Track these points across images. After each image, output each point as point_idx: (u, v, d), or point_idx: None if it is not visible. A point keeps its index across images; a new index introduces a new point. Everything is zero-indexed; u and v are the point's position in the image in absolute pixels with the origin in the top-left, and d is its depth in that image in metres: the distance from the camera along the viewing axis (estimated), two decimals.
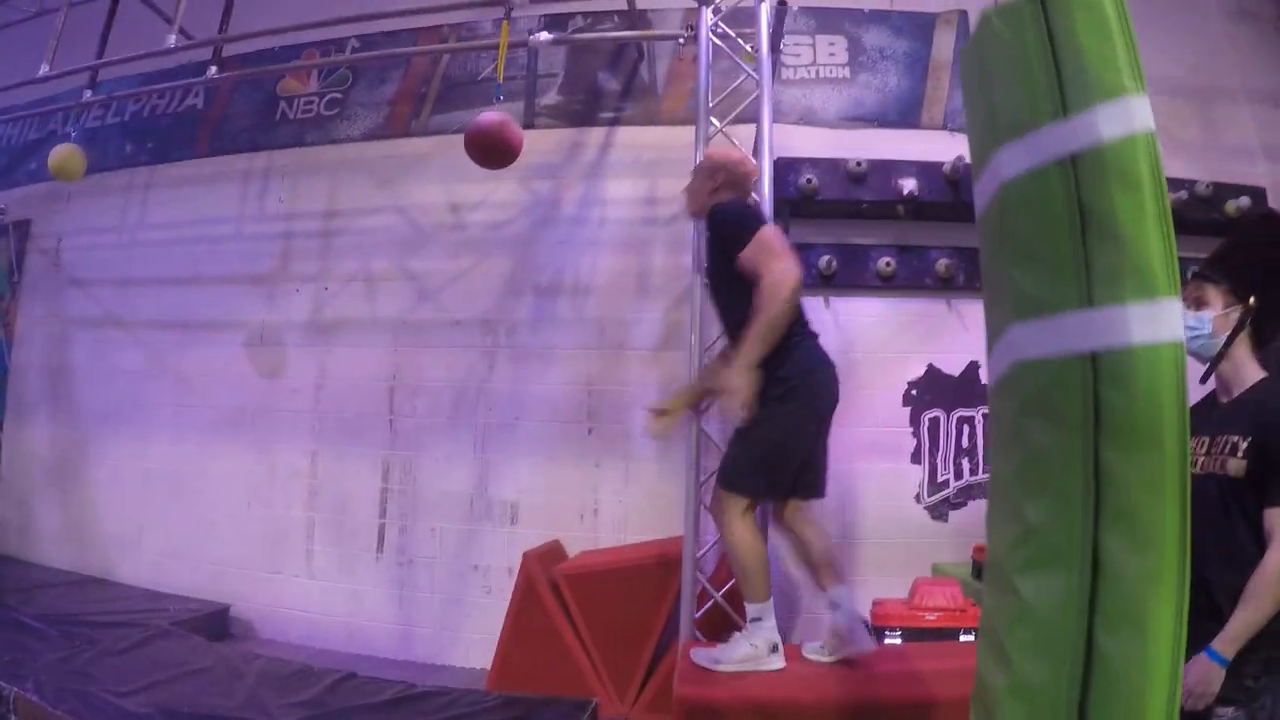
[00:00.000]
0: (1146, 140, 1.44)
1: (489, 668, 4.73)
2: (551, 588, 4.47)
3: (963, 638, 4.01)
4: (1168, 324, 1.41)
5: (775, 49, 4.39)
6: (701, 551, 4.07)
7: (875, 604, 4.24)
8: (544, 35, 4.60)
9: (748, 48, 4.44)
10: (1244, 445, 2.18)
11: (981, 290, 1.87)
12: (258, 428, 5.60)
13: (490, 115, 4.08)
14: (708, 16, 4.27)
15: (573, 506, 5.11)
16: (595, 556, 4.77)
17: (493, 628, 4.92)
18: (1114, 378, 1.43)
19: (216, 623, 5.37)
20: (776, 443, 3.32)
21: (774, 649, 3.33)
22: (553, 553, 4.85)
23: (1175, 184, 4.94)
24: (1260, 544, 2.12)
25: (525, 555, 4.58)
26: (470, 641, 5.11)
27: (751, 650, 3.29)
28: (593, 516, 5.10)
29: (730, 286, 3.49)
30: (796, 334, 3.39)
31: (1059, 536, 1.49)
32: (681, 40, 4.69)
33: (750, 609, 3.34)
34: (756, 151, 4.54)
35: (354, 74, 5.87)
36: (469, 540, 5.18)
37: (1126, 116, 1.45)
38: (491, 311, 5.28)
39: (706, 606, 4.04)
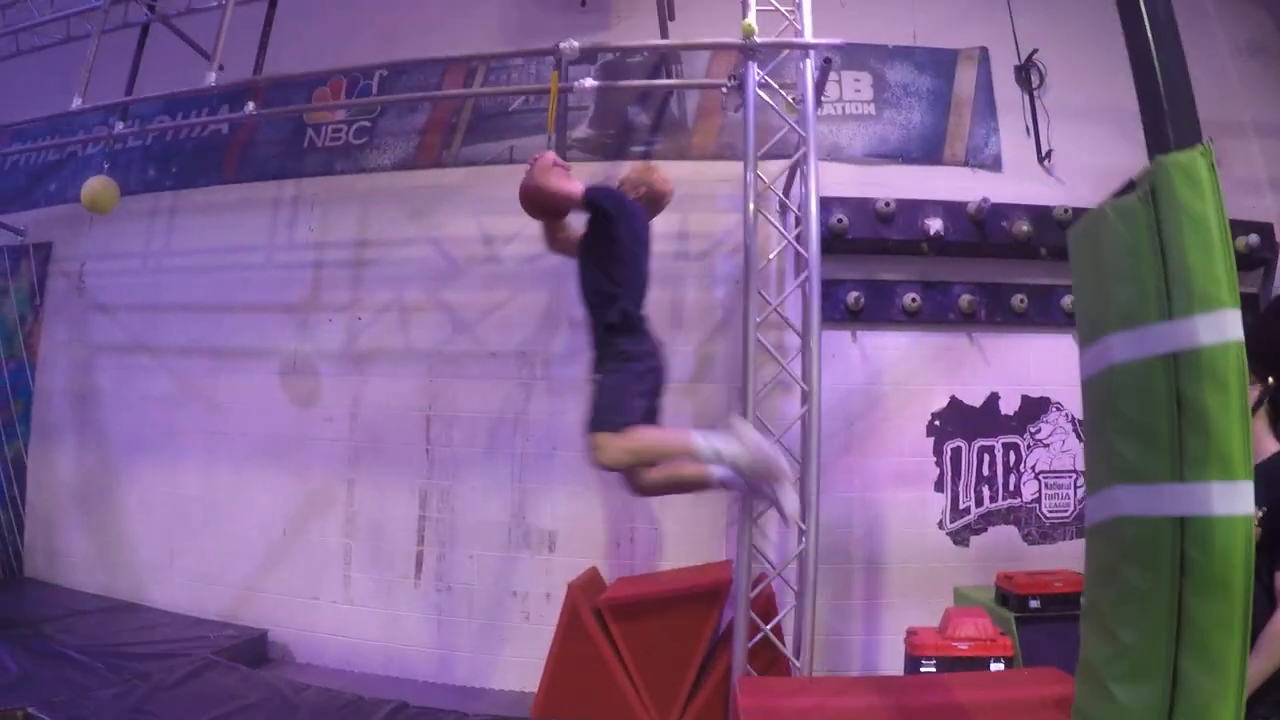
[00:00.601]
0: (1237, 349, 1.76)
1: (528, 691, 4.95)
2: (595, 616, 4.68)
3: (993, 666, 4.32)
4: (1243, 501, 1.75)
5: (818, 102, 4.59)
6: (755, 590, 4.29)
7: (909, 633, 4.52)
8: (589, 81, 4.75)
9: (789, 99, 4.64)
10: (1260, 514, 2.46)
11: (1084, 446, 2.20)
12: (292, 455, 5.74)
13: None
14: (754, 70, 4.46)
15: (609, 534, 5.34)
16: (636, 585, 4.99)
17: (531, 652, 5.15)
18: (1197, 540, 1.78)
19: (255, 648, 5.52)
20: (628, 380, 3.73)
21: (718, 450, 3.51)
22: (592, 581, 5.07)
23: None
24: (1272, 603, 2.42)
25: (570, 585, 4.79)
26: (509, 665, 5.32)
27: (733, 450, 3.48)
28: (629, 544, 5.33)
29: (598, 260, 3.94)
30: (644, 324, 3.95)
31: (1147, 657, 1.88)
32: (725, 89, 4.86)
33: (695, 457, 3.52)
34: (791, 193, 4.79)
35: (382, 107, 5.98)
36: (507, 567, 5.39)
37: (1221, 328, 1.76)
38: (528, 344, 5.46)
39: (756, 639, 4.26)
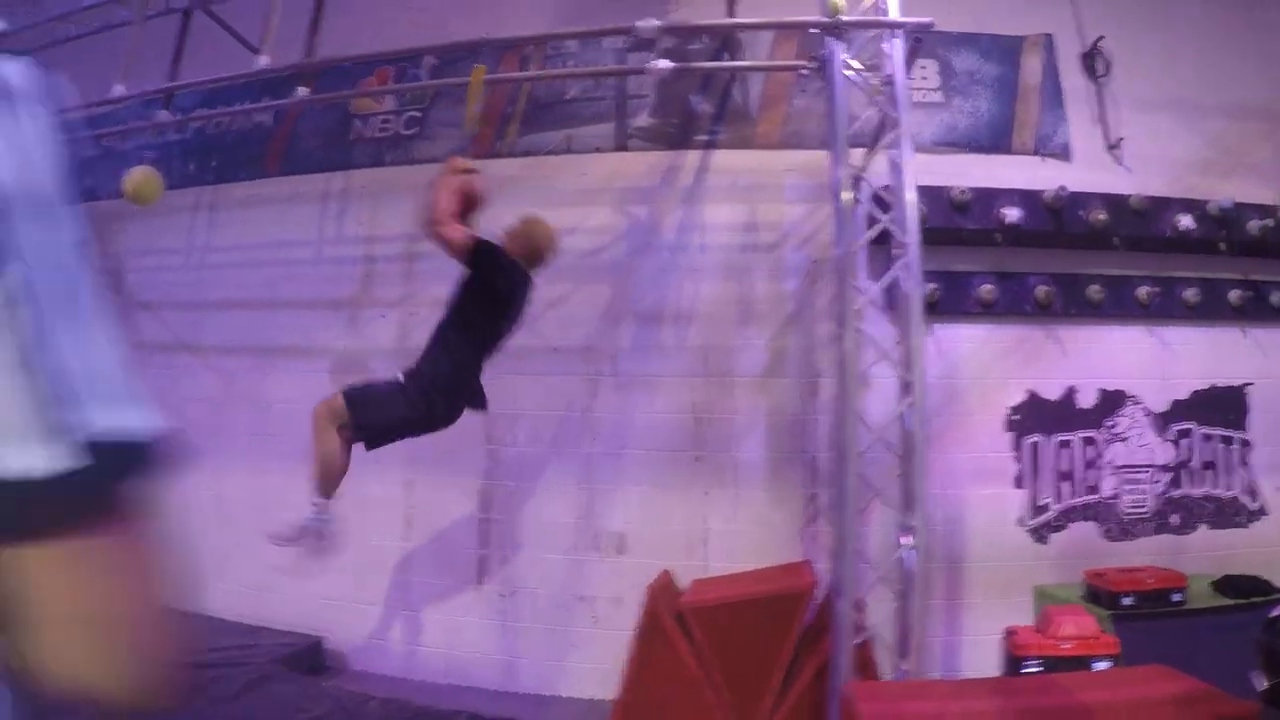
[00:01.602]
0: None
1: (599, 699, 4.75)
2: (677, 620, 4.45)
3: (1096, 666, 4.13)
4: None
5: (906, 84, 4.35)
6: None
7: (1009, 632, 4.34)
8: (662, 62, 4.50)
9: (874, 81, 4.42)
10: None
11: None
12: None
13: None
14: (841, 51, 4.23)
15: (682, 536, 5.10)
16: (716, 587, 4.75)
17: (600, 658, 4.94)
18: None
19: (311, 656, 5.29)
20: (397, 399, 4.00)
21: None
22: (668, 584, 4.83)
23: (1255, 210, 5.08)
24: None
25: (649, 588, 4.55)
26: (578, 672, 5.09)
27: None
28: (702, 545, 5.10)
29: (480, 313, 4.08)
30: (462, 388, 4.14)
31: None
32: (805, 72, 4.63)
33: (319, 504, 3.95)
34: (872, 177, 4.57)
35: (429, 94, 5.72)
36: (574, 571, 5.14)
37: None
38: (593, 339, 5.22)
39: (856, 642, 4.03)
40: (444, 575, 5.29)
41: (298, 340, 5.67)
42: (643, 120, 5.47)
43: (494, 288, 4.04)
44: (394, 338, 5.52)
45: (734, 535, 5.10)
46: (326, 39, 5.07)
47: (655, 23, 4.30)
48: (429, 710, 4.49)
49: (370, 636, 5.38)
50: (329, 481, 3.94)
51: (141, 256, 6.29)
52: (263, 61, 4.74)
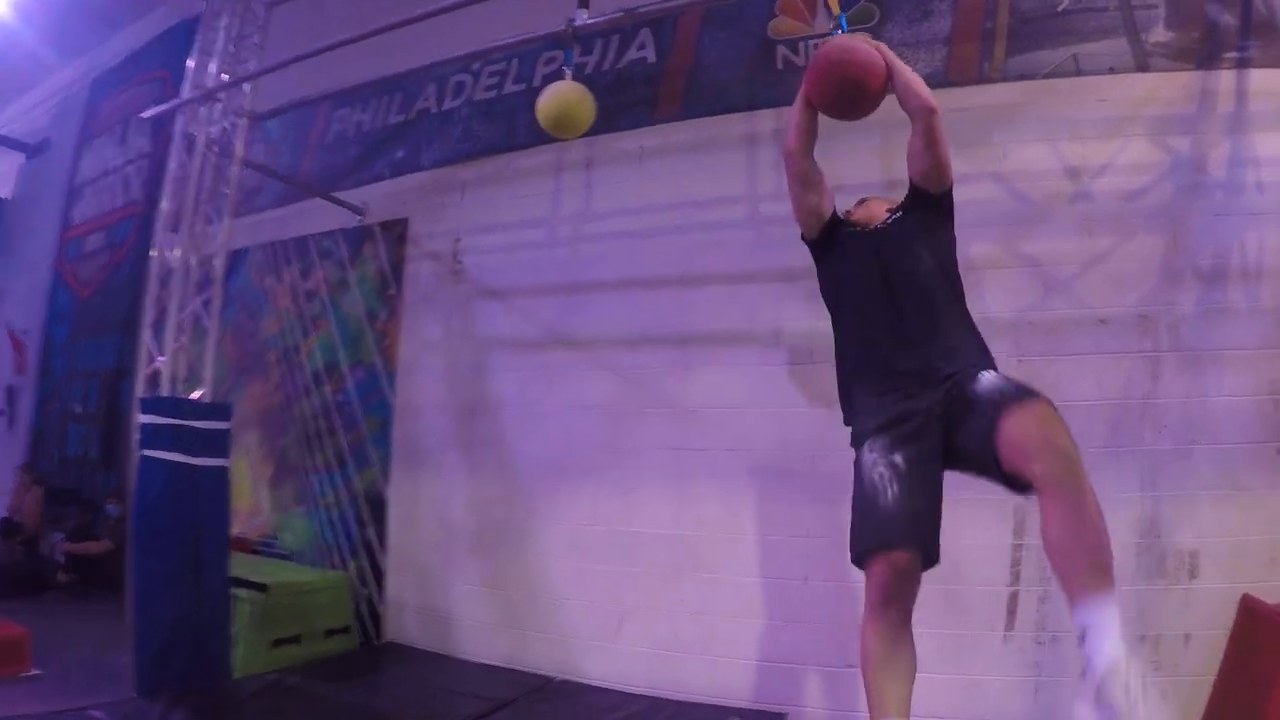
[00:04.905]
0: None
1: None
2: None
3: None
4: None
5: None
6: None
7: None
8: None
9: None
10: None
11: None
12: (818, 474, 4.37)
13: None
14: None
15: (1262, 550, 4.02)
16: None
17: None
18: None
19: None
20: None
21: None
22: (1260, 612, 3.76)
23: None
24: None
25: (1250, 617, 3.46)
26: None
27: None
28: None
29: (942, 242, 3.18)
30: None
31: None
32: None
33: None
34: None
35: (880, 6, 4.69)
36: (1132, 603, 4.00)
37: None
38: (1146, 304, 4.20)
39: None
40: (958, 622, 4.23)
41: (737, 324, 4.55)
42: (1159, 34, 4.41)
43: None
44: None
45: None
46: None
47: None
48: None
49: (846, 707, 4.29)
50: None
51: (485, 234, 5.15)
52: None
